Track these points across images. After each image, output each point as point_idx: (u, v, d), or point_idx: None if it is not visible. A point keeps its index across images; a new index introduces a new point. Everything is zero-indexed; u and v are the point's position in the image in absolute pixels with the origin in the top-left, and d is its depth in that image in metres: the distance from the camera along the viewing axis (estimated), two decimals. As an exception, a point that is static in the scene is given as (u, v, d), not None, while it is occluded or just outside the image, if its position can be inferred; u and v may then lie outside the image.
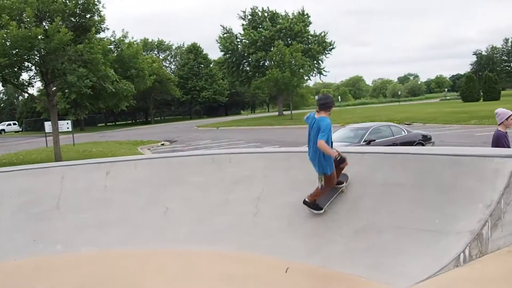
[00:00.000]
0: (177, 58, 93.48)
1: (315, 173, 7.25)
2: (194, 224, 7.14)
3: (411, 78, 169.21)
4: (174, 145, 32.01)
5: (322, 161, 6.53)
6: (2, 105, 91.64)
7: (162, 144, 32.97)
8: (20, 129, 76.77)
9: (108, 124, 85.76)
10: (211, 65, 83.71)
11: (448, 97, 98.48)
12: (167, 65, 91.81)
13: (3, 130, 75.74)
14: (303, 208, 6.82)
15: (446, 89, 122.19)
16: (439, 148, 10.17)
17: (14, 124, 78.73)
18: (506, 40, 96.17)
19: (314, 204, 6.68)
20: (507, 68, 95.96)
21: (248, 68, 64.50)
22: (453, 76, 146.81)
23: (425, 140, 16.19)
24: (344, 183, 6.87)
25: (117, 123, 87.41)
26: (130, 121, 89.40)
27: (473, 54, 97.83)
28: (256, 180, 7.71)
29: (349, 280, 5.32)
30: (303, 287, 5.24)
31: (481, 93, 71.07)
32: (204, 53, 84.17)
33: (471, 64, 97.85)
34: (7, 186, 7.84)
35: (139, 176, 8.27)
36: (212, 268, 6.09)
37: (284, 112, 61.50)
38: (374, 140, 14.60)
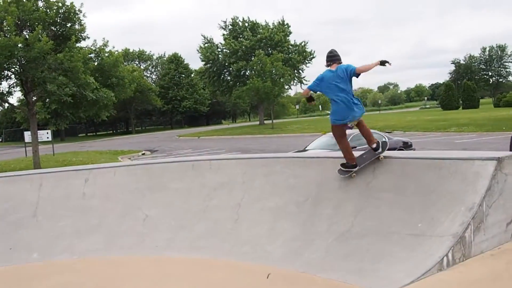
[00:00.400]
0: (158, 68, 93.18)
1: (296, 178, 7.21)
2: (174, 230, 7.03)
3: (391, 87, 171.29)
4: (155, 155, 31.78)
5: (353, 106, 6.76)
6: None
7: (143, 154, 32.71)
8: (0, 140, 75.62)
9: (88, 134, 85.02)
10: (192, 75, 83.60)
11: (427, 106, 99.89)
12: (148, 75, 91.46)
13: (-18, 140, 74.42)
14: (284, 213, 6.76)
15: (425, 98, 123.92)
16: (420, 152, 10.22)
17: (-7, 134, 77.47)
18: (484, 49, 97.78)
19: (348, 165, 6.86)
20: (485, 76, 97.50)
21: (229, 78, 64.53)
22: (432, 85, 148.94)
23: (406, 147, 16.32)
24: (381, 150, 6.93)
25: (97, 133, 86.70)
26: (111, 131, 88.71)
27: (451, 63, 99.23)
28: (236, 186, 7.64)
29: (331, 285, 5.24)
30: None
31: (460, 101, 72.31)
32: (185, 63, 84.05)
33: (450, 73, 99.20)
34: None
35: (118, 183, 8.13)
36: (192, 275, 5.97)
37: (265, 121, 61.55)
38: (355, 147, 14.55)
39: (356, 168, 6.78)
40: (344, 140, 7.01)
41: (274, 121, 56.81)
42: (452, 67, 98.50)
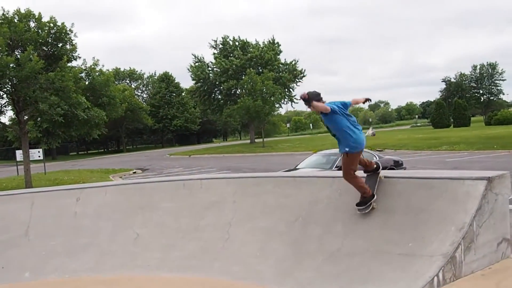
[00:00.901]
0: (149, 87, 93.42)
1: (286, 198, 7.22)
2: (165, 250, 7.02)
3: (382, 105, 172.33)
4: (146, 173, 31.69)
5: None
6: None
7: (134, 172, 32.59)
8: (-9, 158, 75.18)
9: (80, 153, 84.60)
10: (183, 94, 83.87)
11: (418, 124, 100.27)
12: (139, 93, 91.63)
13: (-26, 159, 73.85)
14: (275, 233, 6.77)
15: (416, 116, 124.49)
16: (410, 171, 10.29)
17: (-14, 153, 77.01)
18: (475, 67, 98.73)
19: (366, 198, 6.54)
20: (476, 94, 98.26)
21: (219, 96, 64.77)
22: (423, 103, 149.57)
23: (396, 165, 16.39)
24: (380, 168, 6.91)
25: (89, 151, 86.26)
26: (102, 150, 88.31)
27: (442, 81, 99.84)
28: (227, 205, 7.65)
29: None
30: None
31: (451, 120, 72.55)
32: (176, 81, 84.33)
33: (441, 91, 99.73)
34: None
35: (109, 202, 8.12)
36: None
37: (256, 140, 61.69)
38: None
39: (375, 197, 6.51)
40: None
41: (265, 139, 56.90)
42: (443, 85, 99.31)
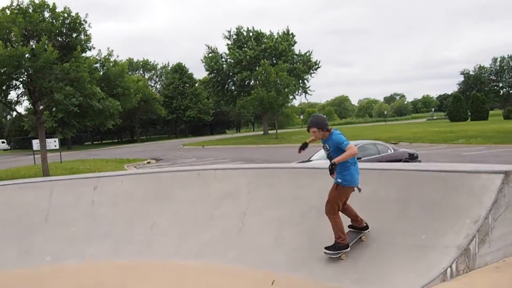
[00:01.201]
0: (162, 78, 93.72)
1: (301, 188, 7.26)
2: (181, 238, 7.14)
3: (398, 98, 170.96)
4: (160, 163, 31.88)
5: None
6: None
7: (148, 162, 32.84)
8: (9, 147, 76.62)
9: (94, 142, 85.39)
10: (196, 85, 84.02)
11: (435, 117, 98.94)
12: (152, 84, 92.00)
13: (-8, 148, 75.30)
14: (289, 222, 6.83)
15: (433, 109, 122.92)
16: (425, 164, 10.27)
17: (3, 142, 78.49)
18: (495, 60, 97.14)
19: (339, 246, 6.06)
20: (495, 87, 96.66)
21: (233, 88, 64.74)
22: (440, 96, 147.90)
23: (411, 158, 16.29)
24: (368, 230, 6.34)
25: (103, 141, 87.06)
26: (116, 140, 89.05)
27: (460, 74, 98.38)
28: (242, 195, 7.73)
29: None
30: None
31: (469, 113, 71.46)
32: (189, 72, 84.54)
33: (459, 84, 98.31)
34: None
35: (126, 191, 8.26)
36: (198, 280, 6.10)
37: (270, 131, 61.65)
38: (360, 158, 14.66)
39: (348, 249, 6.05)
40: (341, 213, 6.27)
41: (278, 131, 56.90)
42: (461, 78, 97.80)
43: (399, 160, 15.44)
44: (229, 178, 8.12)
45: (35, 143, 28.16)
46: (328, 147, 6.21)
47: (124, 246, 7.33)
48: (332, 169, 5.90)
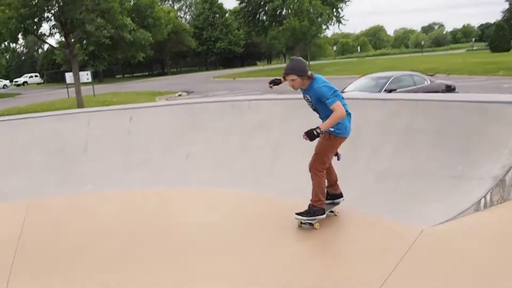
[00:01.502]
0: (192, 9, 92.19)
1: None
2: (215, 168, 7.29)
3: (436, 27, 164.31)
4: (191, 96, 32.03)
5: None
6: (23, 57, 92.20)
7: (180, 95, 33.00)
8: (42, 81, 78.12)
9: (125, 75, 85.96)
10: (227, 15, 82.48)
11: (475, 48, 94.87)
12: (181, 15, 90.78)
13: (26, 82, 77.01)
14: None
15: (473, 39, 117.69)
16: (463, 95, 10.03)
17: (36, 76, 79.84)
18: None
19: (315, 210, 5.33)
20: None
21: (264, 18, 63.29)
22: (481, 25, 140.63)
23: (448, 90, 15.88)
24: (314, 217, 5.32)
25: (134, 74, 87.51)
26: (147, 73, 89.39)
27: (505, 1, 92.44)
28: (275, 126, 7.77)
29: (368, 220, 5.39)
30: (323, 226, 5.34)
31: (512, 43, 68.06)
32: (219, 2, 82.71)
33: (503, 12, 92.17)
34: (37, 130, 8.10)
35: (161, 122, 8.41)
36: (234, 207, 6.28)
37: (302, 63, 60.58)
38: (395, 90, 14.40)
39: (324, 216, 5.33)
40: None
41: (311, 62, 56.04)
42: (506, 5, 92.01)
43: (436, 92, 15.10)
44: (262, 109, 8.14)
45: (68, 76, 28.54)
46: (309, 99, 5.44)
47: (160, 174, 7.53)
48: (316, 135, 5.12)
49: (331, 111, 5.08)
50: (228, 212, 6.12)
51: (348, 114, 5.34)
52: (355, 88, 15.63)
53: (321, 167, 5.34)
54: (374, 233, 5.08)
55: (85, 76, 30.32)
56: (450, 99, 6.94)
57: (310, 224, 5.30)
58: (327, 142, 5.33)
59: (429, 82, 15.66)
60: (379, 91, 14.36)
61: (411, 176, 6.02)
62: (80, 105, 23.37)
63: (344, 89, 16.33)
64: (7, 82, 73.36)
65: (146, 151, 7.98)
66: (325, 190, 5.46)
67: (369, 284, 4.06)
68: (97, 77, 64.75)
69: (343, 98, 5.36)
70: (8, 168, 7.24)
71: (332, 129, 5.22)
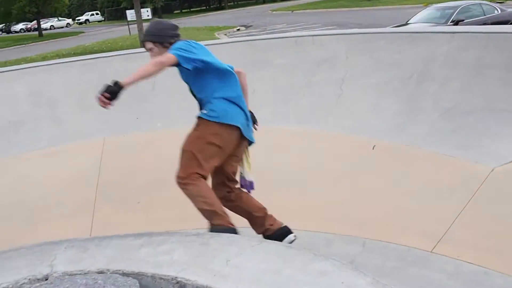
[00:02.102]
0: None
1: (400, 54, 7.08)
2: (280, 104, 7.33)
3: None
4: (249, 30, 31.82)
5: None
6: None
7: (238, 30, 32.85)
8: (103, 19, 79.48)
9: (183, 11, 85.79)
10: None
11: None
12: None
13: (88, 20, 78.72)
14: (388, 89, 6.78)
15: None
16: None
17: (97, 14, 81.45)
18: None
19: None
20: None
21: None
22: None
23: (522, 19, 15.01)
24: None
25: (191, 9, 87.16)
26: (204, 8, 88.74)
27: None
28: (339, 62, 7.62)
29: (435, 157, 5.40)
30: (390, 163, 5.41)
31: None
32: None
33: None
34: (108, 70, 8.34)
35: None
36: (300, 143, 6.36)
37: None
38: (463, 20, 13.77)
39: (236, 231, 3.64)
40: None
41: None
42: None
43: (507, 22, 14.29)
44: (326, 45, 8.01)
45: (129, 14, 28.93)
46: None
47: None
48: (113, 92, 3.54)
49: (211, 89, 3.89)
50: (293, 149, 6.22)
51: (233, 92, 4.00)
52: (419, 20, 15.06)
53: (186, 173, 3.67)
54: (443, 170, 5.10)
55: (146, 13, 30.63)
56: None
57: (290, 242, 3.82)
58: (196, 132, 3.92)
59: (499, 11, 14.81)
60: (445, 23, 13.78)
61: (480, 112, 5.88)
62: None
63: (408, 21, 15.76)
64: (69, 20, 75.22)
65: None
66: (213, 196, 3.77)
67: (440, 220, 4.15)
68: (156, 14, 65.10)
69: (221, 66, 4.14)
70: (84, 107, 7.58)
71: (205, 112, 3.88)
